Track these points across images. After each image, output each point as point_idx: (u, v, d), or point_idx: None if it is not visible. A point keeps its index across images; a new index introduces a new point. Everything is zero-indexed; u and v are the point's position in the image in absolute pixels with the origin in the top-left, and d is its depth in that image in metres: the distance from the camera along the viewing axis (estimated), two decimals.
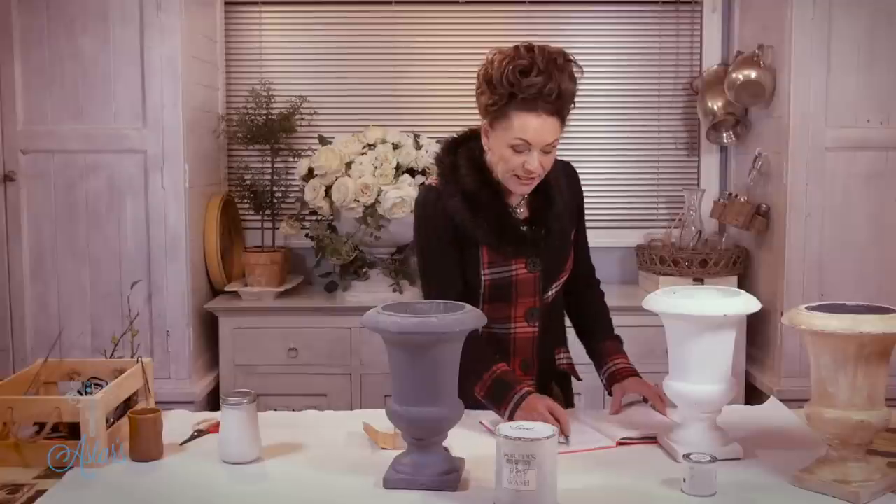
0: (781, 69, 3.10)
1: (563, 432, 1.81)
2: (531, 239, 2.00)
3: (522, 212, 2.05)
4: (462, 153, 2.00)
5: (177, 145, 3.03)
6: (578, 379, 2.22)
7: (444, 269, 2.01)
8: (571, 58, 1.89)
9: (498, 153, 1.92)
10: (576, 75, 1.88)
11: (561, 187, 2.05)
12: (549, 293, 2.08)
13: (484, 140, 1.96)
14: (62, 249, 3.07)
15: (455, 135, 2.06)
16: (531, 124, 1.85)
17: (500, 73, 1.84)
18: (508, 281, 2.02)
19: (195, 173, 3.16)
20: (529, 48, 1.86)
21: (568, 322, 2.24)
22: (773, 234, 3.20)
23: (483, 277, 2.01)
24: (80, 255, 3.07)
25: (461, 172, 1.97)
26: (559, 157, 2.12)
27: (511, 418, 1.87)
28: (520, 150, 1.88)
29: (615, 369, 2.07)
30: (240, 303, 3.28)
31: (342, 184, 3.15)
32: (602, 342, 2.15)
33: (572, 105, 1.91)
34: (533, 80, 1.82)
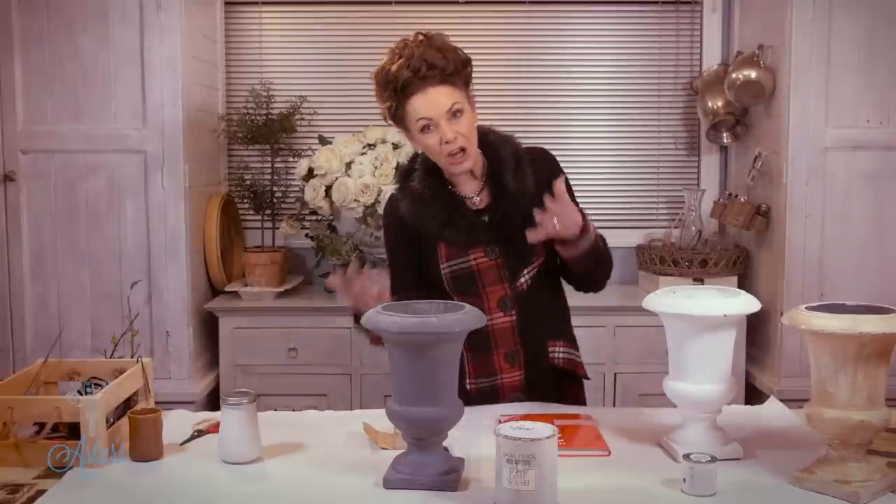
0: (781, 69, 3.10)
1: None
2: (485, 226, 2.03)
3: (479, 201, 2.07)
4: (420, 157, 2.10)
5: (177, 145, 3.03)
6: (582, 377, 2.17)
7: (400, 271, 2.12)
8: (430, 33, 1.98)
9: (422, 146, 2.01)
10: (442, 43, 1.95)
11: (522, 172, 2.04)
12: (522, 280, 2.06)
13: (412, 144, 2.06)
14: (62, 249, 3.07)
15: None
16: (420, 102, 1.94)
17: (379, 84, 1.98)
18: (470, 271, 2.04)
19: (195, 173, 3.16)
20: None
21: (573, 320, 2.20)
22: (773, 234, 3.20)
23: (443, 271, 2.05)
24: (80, 255, 3.07)
25: (414, 175, 2.08)
26: (529, 145, 2.13)
27: None
28: (428, 129, 1.96)
29: None
30: (240, 303, 3.28)
31: (342, 184, 3.15)
32: None
33: (461, 67, 1.96)
34: (396, 67, 1.93)
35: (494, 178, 2.05)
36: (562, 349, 2.13)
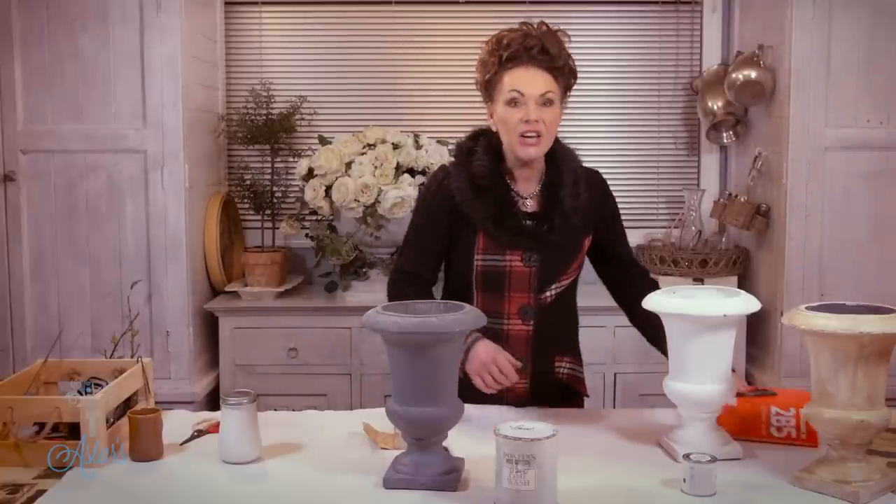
0: (781, 69, 3.10)
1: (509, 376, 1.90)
2: (530, 232, 2.01)
3: (531, 204, 2.05)
4: (483, 141, 2.07)
5: (177, 145, 3.03)
6: (581, 394, 2.17)
7: (422, 246, 2.08)
8: (556, 28, 2.02)
9: (500, 119, 1.99)
10: (562, 40, 2.00)
11: (579, 190, 2.04)
12: (547, 293, 2.05)
13: (490, 123, 2.04)
14: (62, 249, 3.07)
15: (482, 126, 2.12)
16: (520, 75, 1.96)
17: (488, 49, 2.01)
18: (501, 271, 2.02)
19: (195, 173, 3.16)
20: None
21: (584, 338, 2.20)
22: (773, 234, 3.20)
23: (476, 263, 2.02)
24: (80, 255, 3.07)
25: (475, 156, 2.04)
26: (588, 166, 2.13)
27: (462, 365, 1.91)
28: (516, 103, 1.95)
29: None
30: (240, 303, 3.28)
31: (342, 184, 3.15)
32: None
33: (568, 71, 2.00)
34: (512, 38, 1.97)
35: (551, 188, 2.04)
36: (567, 365, 2.13)
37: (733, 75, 3.27)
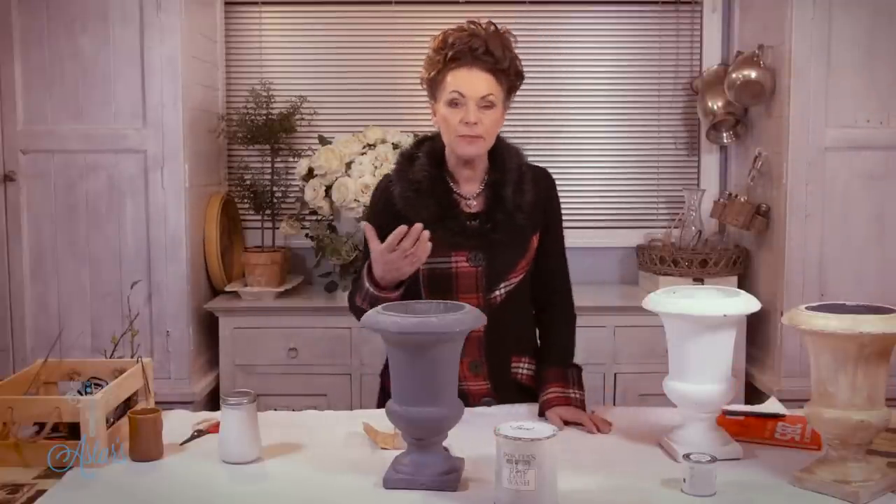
0: (781, 69, 3.10)
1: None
2: (473, 231, 2.00)
3: (475, 205, 2.05)
4: (426, 145, 2.08)
5: (177, 145, 3.03)
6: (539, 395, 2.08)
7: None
8: (503, 29, 2.01)
9: (442, 119, 2.00)
10: (508, 41, 2.00)
11: (524, 187, 2.03)
12: (497, 293, 2.03)
13: (434, 121, 2.05)
14: (62, 249, 3.07)
15: (430, 133, 2.13)
16: (462, 75, 1.96)
17: (433, 47, 2.00)
18: (448, 273, 2.01)
19: (195, 173, 3.16)
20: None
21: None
22: (773, 234, 3.20)
23: (421, 267, 1.98)
24: (80, 255, 3.07)
25: (416, 162, 2.05)
26: (537, 164, 2.13)
27: (372, 278, 1.92)
28: (456, 104, 1.96)
29: (545, 398, 1.98)
30: (240, 303, 3.28)
31: (342, 184, 3.16)
32: (546, 369, 2.04)
33: (513, 73, 2.00)
34: (458, 37, 1.96)
35: (494, 186, 2.03)
36: (525, 365, 2.10)
37: (733, 75, 3.27)
